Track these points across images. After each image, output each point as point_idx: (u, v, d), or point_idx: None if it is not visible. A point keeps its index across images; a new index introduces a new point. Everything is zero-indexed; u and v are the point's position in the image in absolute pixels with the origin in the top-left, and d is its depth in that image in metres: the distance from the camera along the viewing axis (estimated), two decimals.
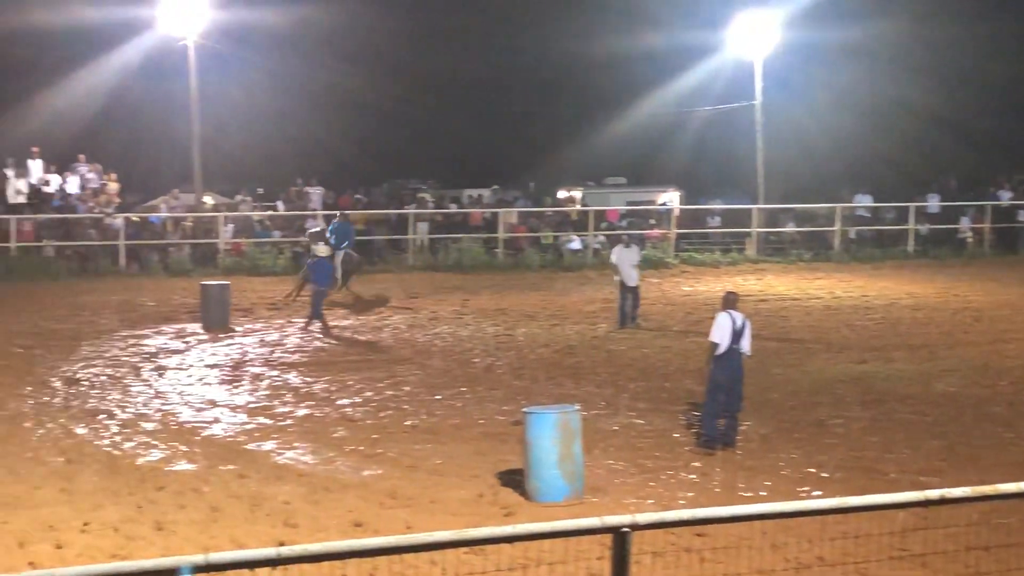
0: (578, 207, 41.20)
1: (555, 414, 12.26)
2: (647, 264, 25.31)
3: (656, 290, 29.20)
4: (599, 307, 27.31)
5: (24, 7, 43.29)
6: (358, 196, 40.76)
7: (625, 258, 24.31)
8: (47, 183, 35.81)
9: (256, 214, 38.19)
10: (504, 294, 29.95)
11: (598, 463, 13.36)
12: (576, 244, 37.70)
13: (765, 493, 12.49)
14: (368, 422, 15.82)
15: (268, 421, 15.81)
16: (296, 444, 14.54)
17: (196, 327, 23.79)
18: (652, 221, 40.38)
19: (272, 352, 21.43)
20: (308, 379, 18.80)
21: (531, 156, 55.40)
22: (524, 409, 12.73)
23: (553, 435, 12.00)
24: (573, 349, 21.94)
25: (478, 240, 36.85)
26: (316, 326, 23.78)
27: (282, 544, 9.46)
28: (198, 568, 5.00)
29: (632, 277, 24.28)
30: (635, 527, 5.74)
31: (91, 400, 17.02)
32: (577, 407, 12.70)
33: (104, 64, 41.48)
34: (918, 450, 14.50)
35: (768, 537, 9.23)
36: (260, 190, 42.24)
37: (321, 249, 25.33)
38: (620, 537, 5.71)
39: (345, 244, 27.93)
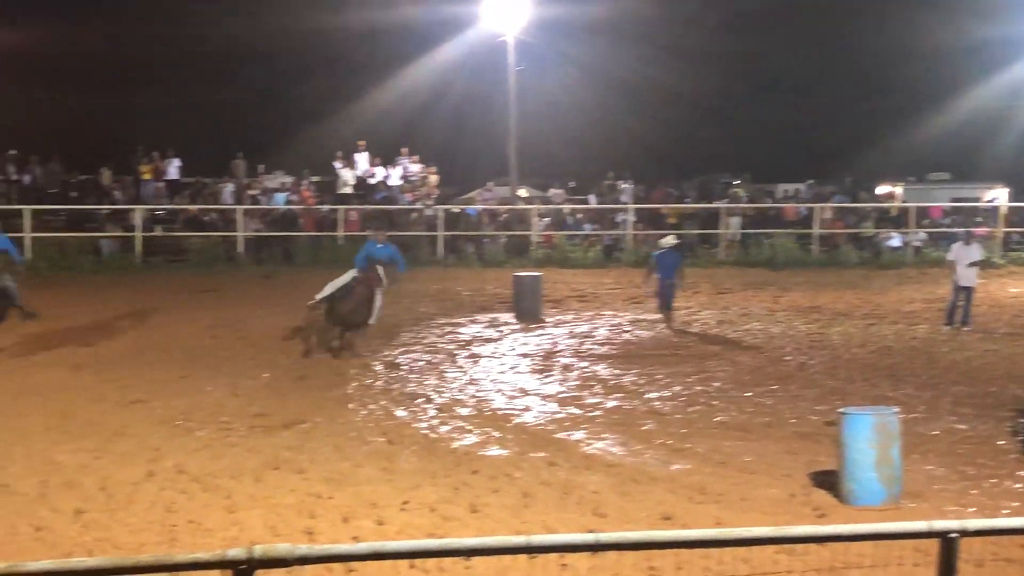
0: (898, 203, 39.87)
1: (872, 416, 11.85)
2: None
3: (982, 291, 27.80)
4: (919, 307, 26.33)
5: (357, 10, 45.59)
6: (670, 190, 40.77)
7: (963, 256, 23.28)
8: (372, 175, 37.59)
9: (568, 207, 38.76)
10: (818, 291, 29.28)
11: (916, 468, 12.82)
12: (895, 241, 36.53)
13: None
14: (676, 416, 15.72)
15: (578, 411, 15.96)
16: (605, 435, 14.60)
17: (509, 317, 24.38)
18: (978, 219, 38.56)
19: (581, 343, 21.66)
20: (617, 371, 18.87)
21: (849, 150, 54.04)
22: (839, 410, 12.35)
23: (870, 437, 11.60)
24: (891, 350, 21.18)
25: (792, 236, 36.18)
26: (671, 315, 23.67)
27: (591, 532, 9.57)
28: (520, 549, 5.07)
29: (966, 277, 23.20)
30: (964, 533, 5.50)
31: (410, 384, 17.66)
32: (895, 409, 12.26)
33: (428, 61, 43.19)
34: None
35: None
36: (572, 184, 42.89)
37: (667, 240, 24.66)
38: (948, 543, 5.48)
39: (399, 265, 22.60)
